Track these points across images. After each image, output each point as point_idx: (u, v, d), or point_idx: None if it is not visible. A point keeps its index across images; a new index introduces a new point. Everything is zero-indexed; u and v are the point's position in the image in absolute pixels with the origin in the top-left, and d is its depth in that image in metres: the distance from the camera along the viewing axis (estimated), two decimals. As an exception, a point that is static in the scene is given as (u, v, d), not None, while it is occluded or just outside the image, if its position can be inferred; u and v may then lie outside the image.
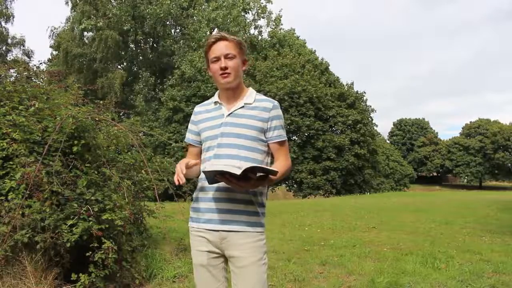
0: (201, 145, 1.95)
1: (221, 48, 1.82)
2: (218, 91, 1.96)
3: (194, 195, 1.93)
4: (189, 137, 2.02)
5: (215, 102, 1.93)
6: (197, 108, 2.02)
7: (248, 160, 1.77)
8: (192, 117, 2.01)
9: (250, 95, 1.90)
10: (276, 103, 1.91)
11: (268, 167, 1.73)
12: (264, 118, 1.85)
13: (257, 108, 1.86)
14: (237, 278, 1.80)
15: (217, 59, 1.82)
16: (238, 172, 1.59)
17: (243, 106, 1.86)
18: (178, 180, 1.73)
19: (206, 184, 1.82)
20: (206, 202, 1.84)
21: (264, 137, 1.86)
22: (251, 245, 1.79)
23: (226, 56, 1.81)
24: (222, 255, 1.86)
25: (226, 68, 1.80)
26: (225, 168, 1.63)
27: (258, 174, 1.68)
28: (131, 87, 29.51)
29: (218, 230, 1.81)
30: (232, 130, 1.82)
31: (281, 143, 1.89)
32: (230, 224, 1.79)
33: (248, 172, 1.63)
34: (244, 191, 1.78)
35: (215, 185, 1.78)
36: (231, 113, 1.86)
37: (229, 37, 1.84)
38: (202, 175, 1.84)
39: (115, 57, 29.38)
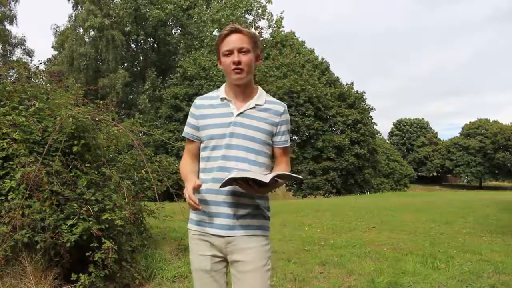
0: (200, 141, 1.81)
1: (234, 41, 1.69)
2: (223, 85, 1.82)
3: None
4: (188, 131, 1.85)
5: (222, 98, 1.78)
6: (199, 101, 1.84)
7: (256, 164, 1.72)
8: (193, 110, 1.84)
9: (260, 95, 1.80)
10: (286, 106, 1.85)
11: (295, 174, 1.66)
12: (274, 122, 1.77)
13: (269, 111, 1.77)
14: (239, 283, 1.72)
15: (230, 52, 1.69)
16: (267, 180, 1.54)
17: (254, 107, 1.76)
18: (196, 208, 1.66)
19: (211, 186, 1.72)
20: (212, 206, 1.73)
21: (271, 141, 1.79)
22: (256, 250, 1.72)
23: (240, 50, 1.69)
24: (224, 259, 1.77)
25: (239, 63, 1.68)
26: (254, 176, 1.57)
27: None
28: (131, 87, 29.48)
29: (224, 236, 1.72)
30: (242, 131, 1.72)
31: (285, 148, 1.84)
32: (237, 229, 1.71)
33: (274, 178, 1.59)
34: (250, 196, 1.71)
35: (222, 189, 1.68)
36: (241, 113, 1.74)
37: (244, 30, 1.71)
38: (203, 177, 1.76)
39: (120, 57, 29.43)
